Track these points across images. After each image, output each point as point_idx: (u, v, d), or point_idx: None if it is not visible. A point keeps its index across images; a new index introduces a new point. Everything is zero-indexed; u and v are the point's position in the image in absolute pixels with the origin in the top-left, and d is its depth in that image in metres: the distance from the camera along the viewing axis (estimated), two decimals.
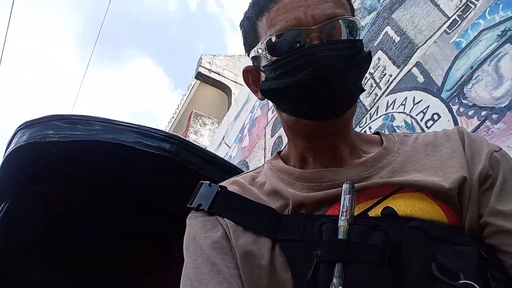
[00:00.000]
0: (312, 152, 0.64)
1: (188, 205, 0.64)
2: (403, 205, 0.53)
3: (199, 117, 7.64)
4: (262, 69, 0.64)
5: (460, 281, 0.45)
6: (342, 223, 0.49)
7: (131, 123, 1.44)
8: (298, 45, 0.59)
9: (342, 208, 0.51)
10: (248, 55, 0.67)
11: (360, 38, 0.63)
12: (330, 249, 0.48)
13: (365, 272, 0.46)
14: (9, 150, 1.33)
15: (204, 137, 7.52)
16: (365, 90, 0.62)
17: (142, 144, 1.37)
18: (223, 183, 0.66)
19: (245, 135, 3.46)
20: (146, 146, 1.38)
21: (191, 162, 1.47)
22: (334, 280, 0.45)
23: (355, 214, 0.52)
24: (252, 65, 0.68)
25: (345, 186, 0.53)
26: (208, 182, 0.65)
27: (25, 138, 1.32)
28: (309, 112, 0.60)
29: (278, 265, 0.53)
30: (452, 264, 0.46)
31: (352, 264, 0.46)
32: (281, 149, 0.71)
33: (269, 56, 0.61)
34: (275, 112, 3.46)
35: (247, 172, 0.71)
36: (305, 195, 0.58)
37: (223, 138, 4.00)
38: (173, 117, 8.90)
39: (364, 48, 0.62)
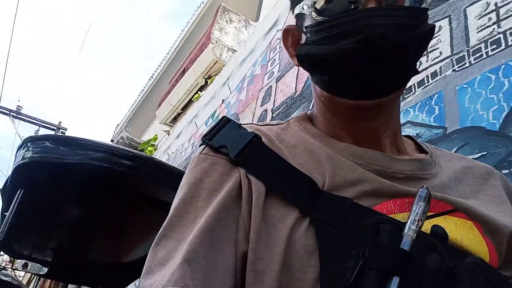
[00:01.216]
0: (346, 132, 0.55)
1: (202, 139, 0.53)
2: (454, 230, 0.47)
3: (226, 12, 7.50)
4: (304, 30, 0.54)
5: None
6: (411, 232, 0.42)
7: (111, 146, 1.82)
8: (352, 7, 0.49)
9: (415, 215, 0.43)
10: (293, 12, 0.57)
11: (426, 7, 0.53)
12: (390, 257, 0.41)
13: None
14: (15, 163, 1.76)
15: (229, 35, 7.52)
16: (419, 72, 0.52)
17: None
18: (252, 127, 0.54)
19: (244, 88, 3.50)
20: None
21: (160, 179, 1.85)
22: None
23: (402, 220, 0.45)
24: (295, 24, 0.58)
25: (421, 191, 0.45)
26: (238, 122, 0.54)
27: (29, 155, 1.73)
28: (347, 89, 0.51)
29: (299, 246, 0.44)
30: None
31: (407, 281, 0.40)
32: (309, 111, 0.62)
33: (314, 15, 0.52)
34: (271, 80, 3.39)
35: (268, 124, 0.58)
36: (355, 172, 0.50)
37: (228, 79, 4.07)
38: (197, 10, 8.71)
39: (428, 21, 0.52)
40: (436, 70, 1.50)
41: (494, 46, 1.31)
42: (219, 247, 0.45)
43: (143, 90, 9.80)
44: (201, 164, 0.51)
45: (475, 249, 0.47)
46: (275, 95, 2.91)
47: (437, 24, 1.56)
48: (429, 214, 0.46)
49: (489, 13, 1.39)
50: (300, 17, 0.56)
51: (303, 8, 0.54)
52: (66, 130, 10.07)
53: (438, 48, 1.54)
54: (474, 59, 1.36)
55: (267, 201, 0.47)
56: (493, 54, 1.30)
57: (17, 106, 9.50)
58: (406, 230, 0.43)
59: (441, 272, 0.43)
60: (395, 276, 0.40)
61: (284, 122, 0.60)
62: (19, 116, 9.42)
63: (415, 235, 0.42)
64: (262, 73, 3.33)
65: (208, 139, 0.52)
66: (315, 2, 0.52)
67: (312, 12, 0.53)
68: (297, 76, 2.68)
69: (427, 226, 0.46)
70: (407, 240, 0.42)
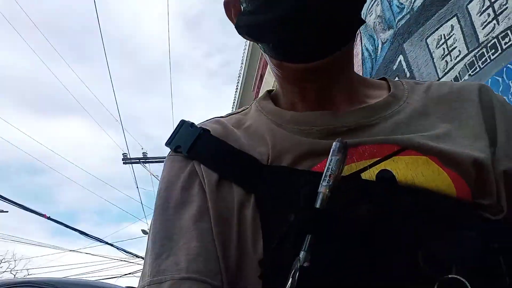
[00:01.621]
0: (300, 97, 0.56)
1: (165, 144, 0.58)
2: (403, 169, 0.45)
3: None
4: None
5: (449, 275, 0.39)
6: (323, 189, 0.42)
7: None
8: None
9: (326, 171, 0.43)
10: None
11: None
12: (303, 217, 0.42)
13: (338, 249, 0.41)
14: None
15: None
16: (365, 22, 0.51)
17: None
18: (205, 124, 0.59)
19: None
20: None
21: None
22: (301, 255, 0.39)
23: (346, 174, 0.46)
24: None
25: (334, 144, 0.45)
26: (191, 122, 0.58)
27: None
28: (289, 54, 0.51)
29: (248, 224, 0.46)
30: (445, 253, 0.40)
31: (322, 237, 0.40)
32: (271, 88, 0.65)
33: None
34: None
35: (233, 114, 0.62)
36: (290, 140, 0.51)
37: None
38: None
39: None
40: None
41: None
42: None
43: (233, 102, 10.40)
44: (166, 164, 0.57)
45: (433, 184, 0.44)
46: None
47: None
48: (374, 160, 0.46)
49: None
50: None
51: None
52: None
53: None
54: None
55: (219, 186, 0.50)
56: None
57: (143, 153, 11.08)
58: (320, 188, 0.42)
59: (372, 220, 0.42)
60: (308, 234, 0.40)
61: (249, 106, 0.63)
62: (147, 161, 11.00)
63: (328, 190, 0.42)
64: None
65: (168, 142, 0.58)
66: None
67: None
68: None
69: (372, 173, 0.46)
70: (320, 197, 0.41)
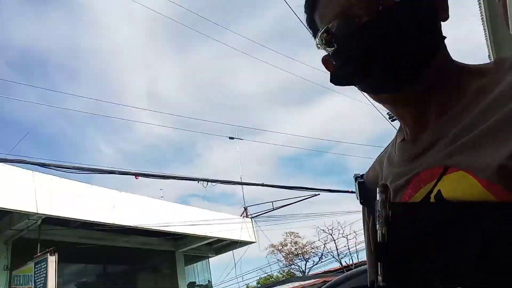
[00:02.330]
0: (405, 121, 0.64)
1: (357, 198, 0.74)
2: (447, 187, 0.51)
3: None
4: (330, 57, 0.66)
5: None
6: (378, 227, 0.53)
7: None
8: (347, 31, 0.58)
9: (376, 213, 0.54)
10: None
11: None
12: (375, 250, 0.59)
13: (394, 269, 0.53)
14: None
15: None
16: (445, 37, 0.54)
17: None
18: (367, 171, 0.75)
19: None
20: None
21: None
22: (378, 278, 0.54)
23: (420, 199, 0.54)
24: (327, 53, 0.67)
25: (378, 188, 0.55)
26: (355, 175, 0.75)
27: None
28: (378, 89, 0.61)
29: (372, 236, 0.62)
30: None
31: (386, 265, 0.54)
32: None
33: (327, 48, 0.64)
34: None
35: (384, 149, 0.74)
36: (386, 173, 0.66)
37: None
38: None
39: None
40: None
41: None
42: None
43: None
44: None
45: (467, 193, 0.49)
46: None
47: None
48: (433, 182, 0.54)
49: None
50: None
51: (318, 46, 0.65)
52: None
53: None
54: None
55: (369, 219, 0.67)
56: None
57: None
58: (377, 227, 0.54)
59: (406, 242, 0.52)
60: (379, 262, 0.54)
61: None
62: None
63: (384, 227, 0.53)
64: None
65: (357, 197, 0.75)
66: (321, 39, 0.63)
67: (325, 47, 0.64)
68: None
69: (432, 195, 0.54)
70: (379, 234, 0.53)
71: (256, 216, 13.91)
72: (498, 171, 0.46)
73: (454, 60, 0.61)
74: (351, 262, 17.69)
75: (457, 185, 0.50)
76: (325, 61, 0.68)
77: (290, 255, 21.00)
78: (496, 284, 0.43)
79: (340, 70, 0.62)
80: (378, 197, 0.54)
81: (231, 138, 12.06)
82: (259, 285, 19.48)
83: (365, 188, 0.70)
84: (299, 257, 20.87)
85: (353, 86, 0.64)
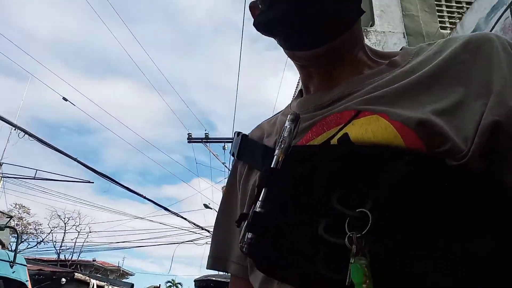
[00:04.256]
0: (309, 81, 0.65)
1: (230, 153, 0.73)
2: (356, 130, 0.50)
3: None
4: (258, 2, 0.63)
5: (357, 210, 0.43)
6: (277, 152, 0.51)
7: None
8: None
9: (280, 138, 0.53)
10: None
11: None
12: (261, 175, 0.55)
13: (277, 197, 0.50)
14: None
15: None
16: (364, 11, 0.58)
17: None
18: (252, 130, 0.73)
19: None
20: None
21: None
22: (258, 204, 0.49)
23: (320, 142, 0.53)
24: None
25: (288, 116, 0.54)
26: (237, 132, 0.70)
27: None
28: (294, 44, 0.60)
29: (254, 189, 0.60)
30: (364, 190, 0.44)
31: (274, 189, 0.50)
32: None
33: None
34: None
35: (276, 113, 0.73)
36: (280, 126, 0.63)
37: None
38: None
39: None
40: None
41: None
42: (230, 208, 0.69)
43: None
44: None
45: (380, 137, 0.48)
46: None
47: None
48: (339, 126, 0.52)
49: None
50: None
51: None
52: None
53: None
54: None
55: (247, 173, 0.65)
56: None
57: (205, 133, 11.88)
58: (275, 152, 0.52)
59: (307, 173, 0.50)
60: (264, 187, 0.50)
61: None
62: (209, 141, 11.71)
63: (282, 153, 0.51)
64: None
65: (230, 152, 0.75)
66: None
67: None
68: None
69: (335, 138, 0.52)
70: (275, 160, 0.51)
71: (9, 177, 12.37)
72: (418, 122, 0.46)
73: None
74: (70, 258, 18.09)
75: (367, 127, 0.49)
76: (253, 7, 0.66)
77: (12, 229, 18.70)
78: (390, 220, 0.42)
79: (264, 15, 0.59)
80: (286, 124, 0.53)
81: None
82: None
83: (247, 141, 0.67)
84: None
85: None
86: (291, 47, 0.61)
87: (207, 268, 0.68)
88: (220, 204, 0.72)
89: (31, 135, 9.68)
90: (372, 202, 0.43)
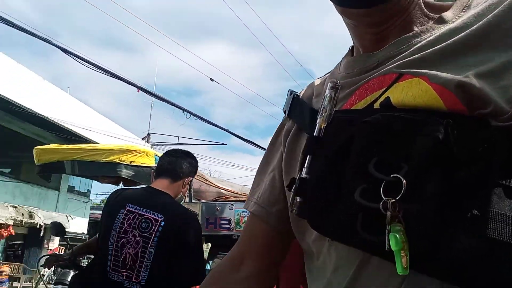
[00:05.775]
0: (360, 42, 0.62)
1: (282, 110, 0.72)
2: (397, 93, 0.49)
3: None
4: None
5: (392, 175, 0.42)
6: (319, 121, 0.53)
7: None
8: None
9: (321, 107, 0.54)
10: None
11: None
12: (306, 143, 0.55)
13: (319, 165, 0.51)
14: None
15: None
16: None
17: None
18: (304, 88, 0.72)
19: None
20: None
21: None
22: (303, 170, 0.52)
23: (363, 106, 0.52)
24: None
25: (328, 84, 0.54)
26: (290, 90, 0.71)
27: None
28: (346, 1, 0.57)
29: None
30: (401, 155, 0.43)
31: (315, 158, 0.52)
32: None
33: None
34: None
35: (328, 72, 0.71)
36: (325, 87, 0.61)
37: None
38: None
39: None
40: None
41: None
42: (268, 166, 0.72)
43: None
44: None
45: (420, 100, 0.47)
46: None
47: None
48: (382, 90, 0.51)
49: None
50: None
51: None
52: None
53: None
54: None
55: (296, 133, 0.65)
56: None
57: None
58: (317, 121, 0.53)
59: (347, 140, 0.49)
60: (308, 155, 0.53)
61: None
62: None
63: (325, 121, 0.53)
64: None
65: (283, 109, 0.72)
66: None
67: None
68: None
69: (378, 102, 0.51)
70: (317, 128, 0.53)
71: (158, 145, 14.79)
72: (457, 84, 0.45)
73: None
74: None
75: (408, 91, 0.48)
76: None
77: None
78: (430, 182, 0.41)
79: None
80: (326, 92, 0.54)
81: None
82: None
83: (297, 102, 0.67)
84: None
85: None
86: (340, 2, 0.58)
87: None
88: (262, 158, 0.76)
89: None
90: (408, 166, 0.42)
